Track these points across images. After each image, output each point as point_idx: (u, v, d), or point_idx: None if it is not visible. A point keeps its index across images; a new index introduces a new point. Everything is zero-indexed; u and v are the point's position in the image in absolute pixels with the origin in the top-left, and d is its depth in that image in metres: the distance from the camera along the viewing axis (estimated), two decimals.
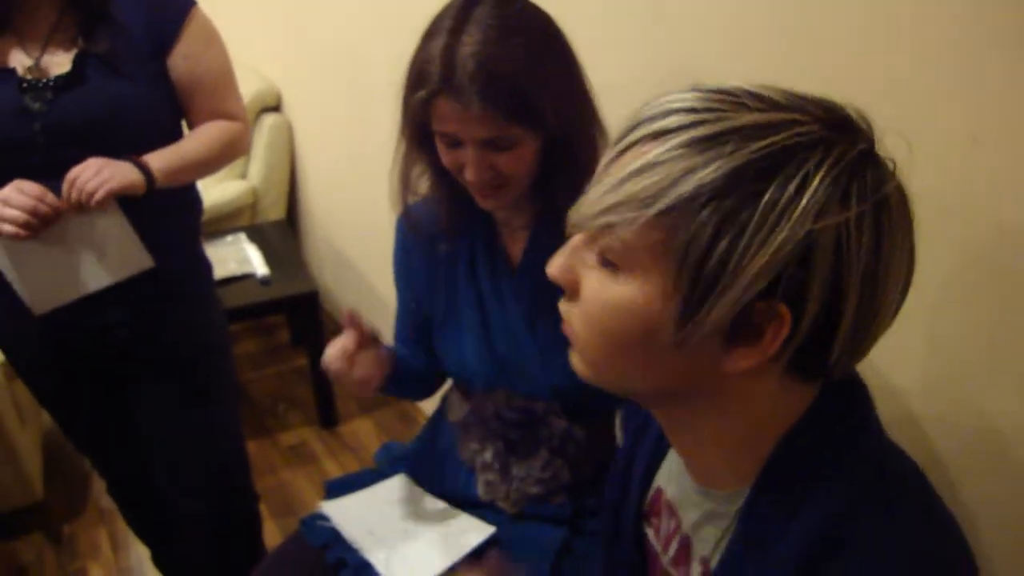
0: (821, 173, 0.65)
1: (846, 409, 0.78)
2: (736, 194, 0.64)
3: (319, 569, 1.42)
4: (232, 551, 2.07)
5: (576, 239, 0.77)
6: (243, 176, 3.55)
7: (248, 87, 3.41)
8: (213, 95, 1.72)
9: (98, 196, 1.47)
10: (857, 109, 0.72)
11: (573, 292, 0.78)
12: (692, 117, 0.67)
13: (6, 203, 1.47)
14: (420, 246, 1.43)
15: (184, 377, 1.84)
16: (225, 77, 1.75)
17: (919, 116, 1.10)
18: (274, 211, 3.60)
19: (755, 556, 0.76)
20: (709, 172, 0.65)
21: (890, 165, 0.71)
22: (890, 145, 0.72)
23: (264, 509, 2.11)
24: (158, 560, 2.30)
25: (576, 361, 0.81)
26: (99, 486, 2.48)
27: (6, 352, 1.85)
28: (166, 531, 2.19)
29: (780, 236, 0.64)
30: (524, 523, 1.42)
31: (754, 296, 0.66)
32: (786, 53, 1.27)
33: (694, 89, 0.70)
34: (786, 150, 0.65)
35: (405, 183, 1.34)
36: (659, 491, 0.96)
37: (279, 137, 3.54)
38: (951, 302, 1.13)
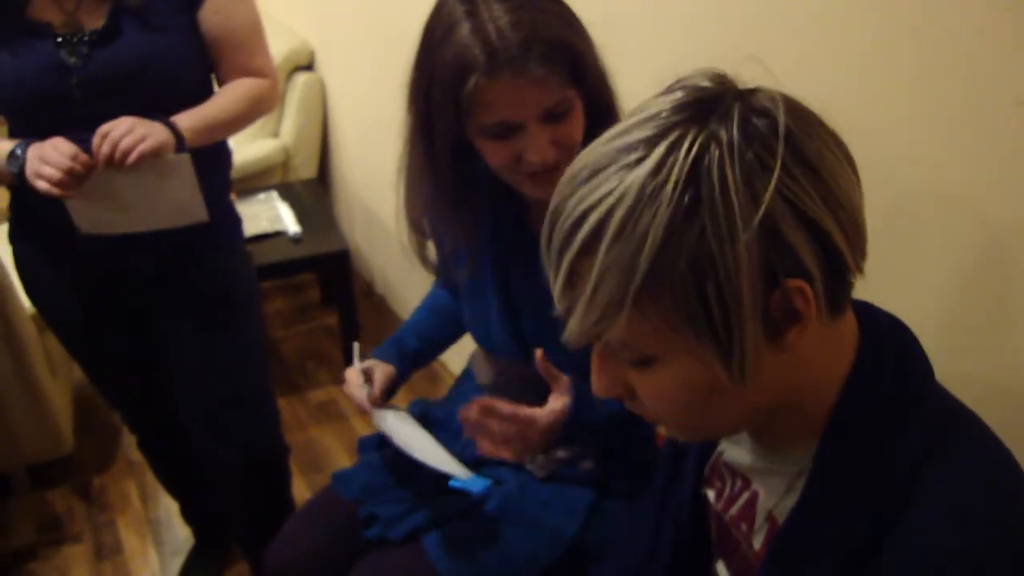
0: (728, 165, 0.65)
1: (896, 350, 0.79)
2: (685, 242, 0.65)
3: (350, 523, 1.43)
4: (261, 504, 2.08)
5: (594, 359, 0.79)
6: (275, 134, 3.54)
7: (281, 45, 3.39)
8: (242, 50, 1.72)
9: (132, 158, 1.47)
10: (699, 70, 0.73)
11: (631, 396, 0.80)
12: (600, 212, 0.67)
13: (44, 160, 1.47)
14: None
15: (212, 325, 1.84)
16: (255, 33, 1.75)
17: (965, 77, 1.08)
18: (306, 169, 3.60)
19: (829, 506, 0.77)
20: (650, 245, 0.65)
21: (760, 90, 0.71)
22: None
23: (293, 465, 2.12)
24: (187, 513, 2.33)
25: (672, 433, 0.85)
26: (129, 439, 2.49)
27: (36, 304, 1.86)
28: (195, 484, 2.22)
29: (742, 244, 0.65)
30: (553, 484, 1.40)
31: (763, 297, 0.68)
32: (823, 16, 1.24)
33: (576, 183, 0.70)
34: (690, 175, 0.65)
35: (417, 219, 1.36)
36: (719, 453, 0.97)
37: (311, 95, 3.52)
38: (995, 263, 1.11)
